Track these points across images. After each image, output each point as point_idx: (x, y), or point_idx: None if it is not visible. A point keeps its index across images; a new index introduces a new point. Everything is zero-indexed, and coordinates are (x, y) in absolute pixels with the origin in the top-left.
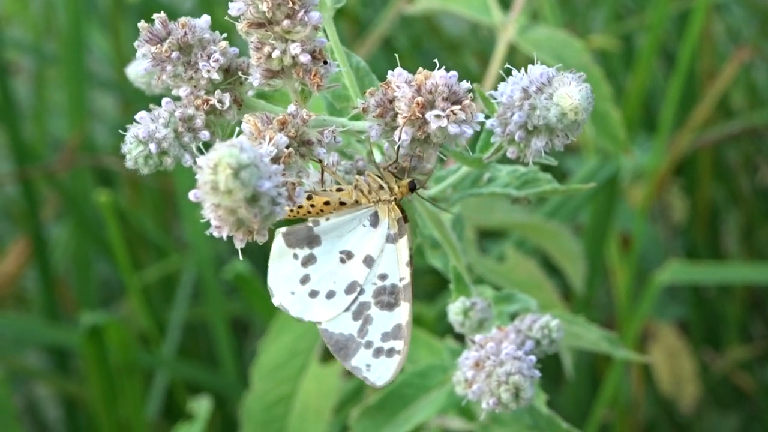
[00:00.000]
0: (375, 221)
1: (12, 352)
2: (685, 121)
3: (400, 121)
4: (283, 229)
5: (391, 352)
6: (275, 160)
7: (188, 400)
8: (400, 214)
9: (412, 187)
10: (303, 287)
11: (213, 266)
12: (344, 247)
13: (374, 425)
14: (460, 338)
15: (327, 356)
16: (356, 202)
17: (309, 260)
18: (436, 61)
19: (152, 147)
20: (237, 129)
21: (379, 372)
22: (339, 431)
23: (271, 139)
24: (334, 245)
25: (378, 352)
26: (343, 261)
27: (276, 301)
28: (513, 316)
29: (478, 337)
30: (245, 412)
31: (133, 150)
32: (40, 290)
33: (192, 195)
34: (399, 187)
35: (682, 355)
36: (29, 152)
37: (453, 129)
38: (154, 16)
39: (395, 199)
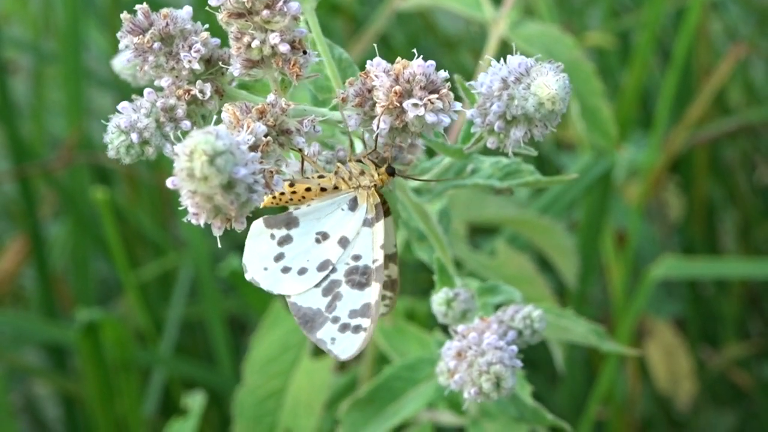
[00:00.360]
0: (354, 206)
1: (10, 350)
2: (682, 118)
3: (378, 110)
4: (264, 216)
5: (357, 329)
6: (253, 148)
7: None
8: (379, 200)
9: (391, 172)
10: (276, 264)
11: (210, 264)
12: (321, 228)
13: (363, 418)
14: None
15: (318, 351)
16: (335, 188)
17: (285, 240)
18: (414, 50)
19: (134, 137)
20: (218, 118)
21: (344, 346)
22: (330, 426)
23: (249, 128)
24: (311, 227)
25: (344, 327)
26: (318, 241)
27: (248, 275)
28: (498, 308)
29: (460, 328)
30: (237, 407)
31: (114, 140)
32: (37, 288)
33: (169, 182)
34: (378, 173)
35: (678, 353)
36: (27, 150)
37: (430, 118)
38: (137, 7)
39: (375, 185)
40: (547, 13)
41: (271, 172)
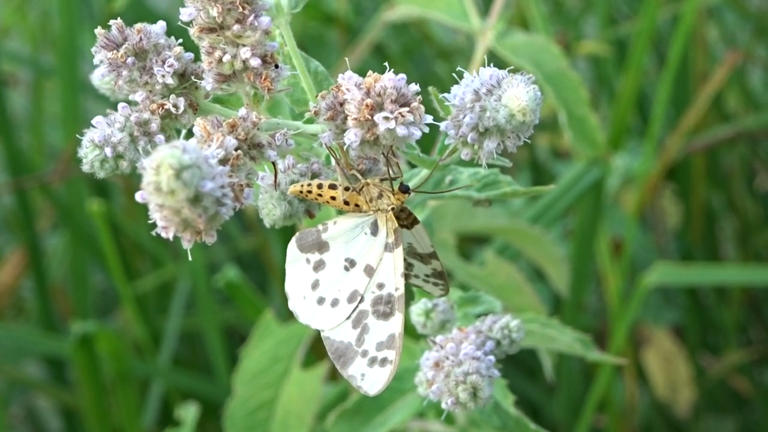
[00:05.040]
0: (375, 230)
1: (11, 363)
2: (678, 125)
3: (350, 123)
4: (296, 235)
5: (384, 362)
6: (223, 162)
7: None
8: (397, 225)
9: (405, 190)
10: (313, 293)
11: (207, 275)
12: (348, 254)
13: (351, 428)
14: None
15: (308, 361)
16: (357, 205)
17: (319, 265)
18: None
19: (108, 151)
20: (191, 132)
21: (372, 381)
22: None
23: (219, 141)
24: (341, 251)
25: (372, 361)
26: (346, 269)
27: (291, 304)
28: (479, 318)
29: (439, 338)
30: (228, 418)
31: (89, 154)
32: (36, 300)
33: (138, 196)
34: (394, 195)
35: (677, 360)
36: (25, 163)
37: (401, 131)
38: (111, 22)
39: (392, 208)
40: (540, 22)
41: (241, 185)
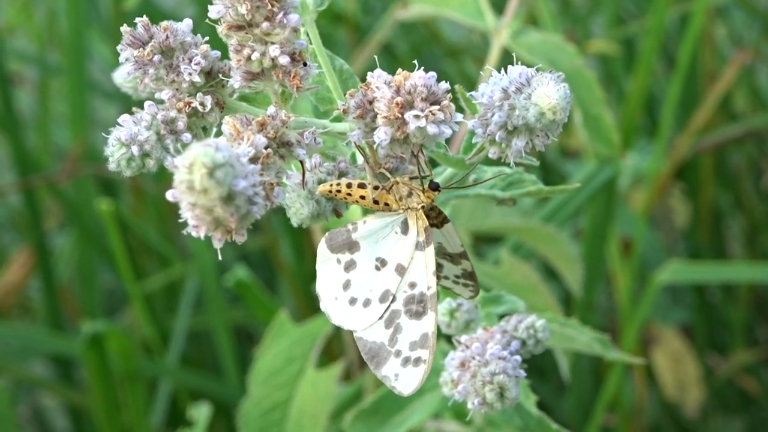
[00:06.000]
0: (405, 229)
1: (18, 362)
2: (687, 124)
3: (379, 121)
4: (326, 235)
5: (417, 362)
6: (253, 160)
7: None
8: (428, 223)
9: (435, 188)
10: (345, 293)
11: (215, 274)
12: (379, 254)
13: (368, 428)
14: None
15: (321, 362)
16: (386, 204)
17: (350, 265)
18: (418, 59)
19: (134, 149)
20: (218, 131)
21: (406, 381)
22: None
23: (249, 140)
24: (371, 251)
25: (406, 361)
26: (377, 268)
27: (322, 305)
28: (501, 318)
29: (464, 338)
30: (242, 419)
31: (115, 152)
32: (44, 300)
33: (169, 194)
34: (424, 193)
35: (686, 360)
36: (32, 162)
37: (432, 129)
38: (137, 20)
39: (422, 206)
40: (550, 21)
41: (272, 184)
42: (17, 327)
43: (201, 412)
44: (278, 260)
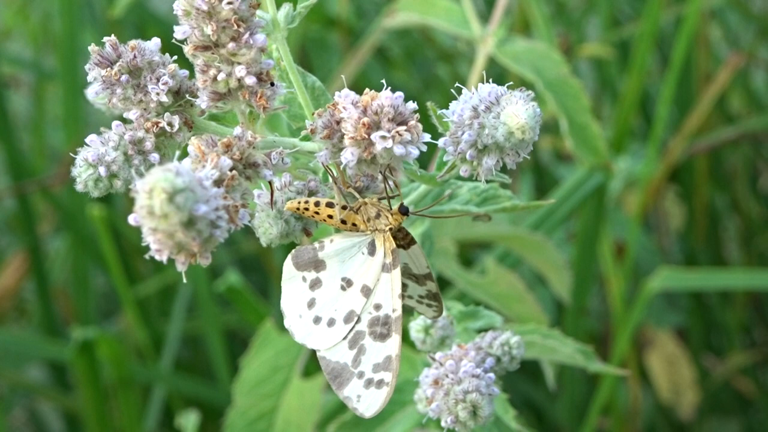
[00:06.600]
0: (372, 250)
1: (13, 367)
2: (682, 126)
3: (346, 142)
4: (292, 252)
5: (380, 384)
6: (218, 182)
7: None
8: (395, 245)
9: (404, 212)
10: (309, 312)
11: (208, 278)
12: (345, 274)
13: None
14: None
15: (308, 370)
16: (354, 225)
17: (315, 284)
18: (383, 81)
19: (102, 170)
20: (185, 151)
21: (368, 402)
22: None
23: (213, 162)
24: (337, 271)
25: (369, 383)
26: (343, 288)
27: (286, 322)
28: (479, 332)
29: (438, 355)
30: (228, 428)
31: (82, 173)
32: (38, 304)
33: (131, 219)
34: (392, 215)
35: (681, 363)
36: (26, 166)
37: (398, 150)
38: (105, 39)
39: (390, 228)
40: (543, 24)
41: (236, 206)
42: (12, 332)
43: (189, 420)
44: (271, 264)
